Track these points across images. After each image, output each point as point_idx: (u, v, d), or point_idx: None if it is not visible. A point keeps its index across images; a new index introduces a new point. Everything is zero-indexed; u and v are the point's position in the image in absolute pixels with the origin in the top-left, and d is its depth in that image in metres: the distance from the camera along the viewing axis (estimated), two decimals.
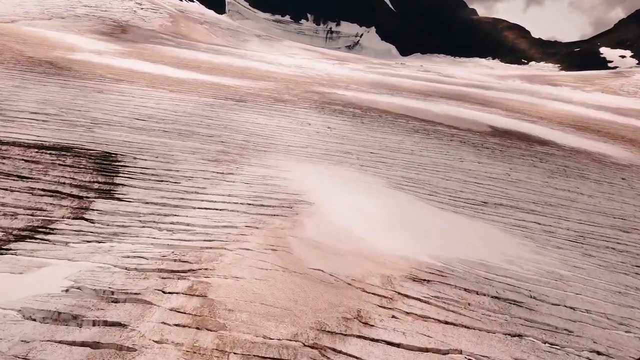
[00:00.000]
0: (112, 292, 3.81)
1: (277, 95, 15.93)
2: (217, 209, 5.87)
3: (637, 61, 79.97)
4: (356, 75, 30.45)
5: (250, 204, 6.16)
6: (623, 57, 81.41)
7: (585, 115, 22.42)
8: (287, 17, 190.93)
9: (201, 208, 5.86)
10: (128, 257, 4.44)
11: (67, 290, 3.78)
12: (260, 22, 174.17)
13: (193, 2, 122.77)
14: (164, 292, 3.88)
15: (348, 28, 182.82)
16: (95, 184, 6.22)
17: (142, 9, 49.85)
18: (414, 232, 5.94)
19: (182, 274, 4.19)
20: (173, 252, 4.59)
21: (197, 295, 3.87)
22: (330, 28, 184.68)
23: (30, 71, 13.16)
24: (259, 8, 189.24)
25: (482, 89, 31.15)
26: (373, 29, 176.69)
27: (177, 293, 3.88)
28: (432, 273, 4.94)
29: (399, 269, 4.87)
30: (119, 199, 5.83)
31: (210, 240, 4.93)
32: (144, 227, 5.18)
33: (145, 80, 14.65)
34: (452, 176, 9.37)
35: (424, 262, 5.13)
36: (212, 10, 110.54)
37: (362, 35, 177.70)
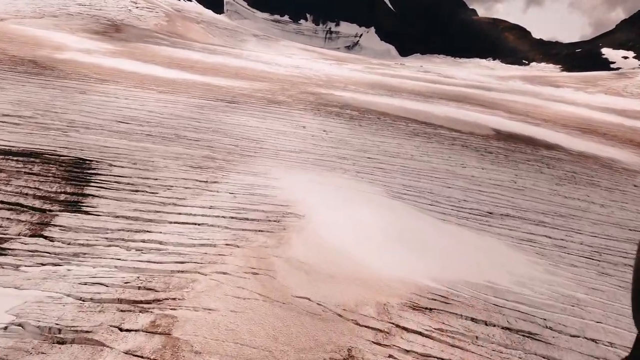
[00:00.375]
0: (59, 330, 3.26)
1: (271, 97, 15.39)
2: (195, 224, 5.32)
3: None
4: (354, 75, 29.94)
5: (233, 218, 5.61)
6: (625, 58, 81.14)
7: (590, 117, 21.92)
8: (286, 17, 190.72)
9: (178, 223, 5.31)
10: (85, 283, 3.89)
11: (5, 328, 3.23)
12: (259, 22, 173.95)
13: (190, 1, 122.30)
14: (120, 330, 3.33)
15: (347, 28, 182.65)
16: (62, 195, 5.66)
17: (137, 7, 49.31)
18: (414, 249, 5.39)
19: (145, 306, 3.64)
20: (139, 277, 4.04)
21: (160, 333, 3.32)
22: (330, 28, 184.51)
23: (12, 70, 12.60)
24: (257, 8, 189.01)
25: (483, 90, 30.65)
26: (372, 29, 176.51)
27: (135, 331, 3.33)
28: (435, 299, 4.40)
29: (397, 295, 4.33)
30: (86, 213, 5.28)
31: (183, 262, 4.38)
32: (110, 245, 4.63)
33: (133, 81, 14.10)
34: (454, 183, 8.83)
35: (425, 286, 4.59)
36: (210, 10, 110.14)
37: (361, 35, 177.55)
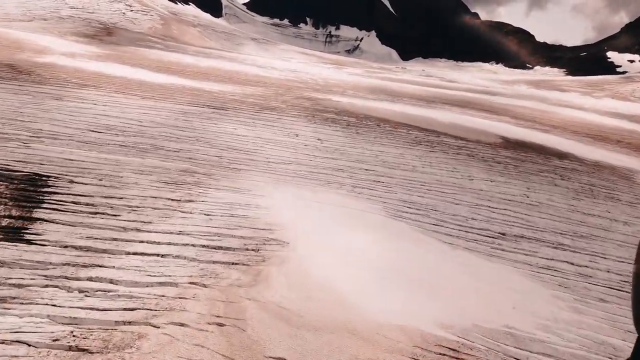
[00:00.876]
0: None
1: (263, 102, 14.68)
2: (157, 255, 4.55)
3: None
4: (353, 80, 29.29)
5: (203, 247, 4.84)
6: (632, 61, 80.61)
7: (601, 123, 21.18)
8: (286, 21, 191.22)
9: (136, 254, 4.54)
10: (2, 342, 3.11)
11: None
12: (258, 25, 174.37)
13: (189, 5, 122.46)
14: None
15: (348, 32, 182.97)
16: (5, 219, 4.90)
17: (131, 11, 48.86)
18: (418, 285, 4.62)
19: None
20: (73, 331, 3.27)
21: None
22: (330, 32, 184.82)
23: None
24: (257, 12, 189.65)
25: (488, 95, 29.97)
26: (373, 32, 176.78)
27: None
28: (444, 354, 3.62)
29: (397, 350, 3.55)
30: (28, 242, 4.51)
31: (132, 309, 3.60)
32: (47, 285, 3.86)
33: (115, 85, 13.40)
34: (461, 199, 8.07)
35: (431, 336, 3.81)
36: (207, 14, 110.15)
37: (362, 39, 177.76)
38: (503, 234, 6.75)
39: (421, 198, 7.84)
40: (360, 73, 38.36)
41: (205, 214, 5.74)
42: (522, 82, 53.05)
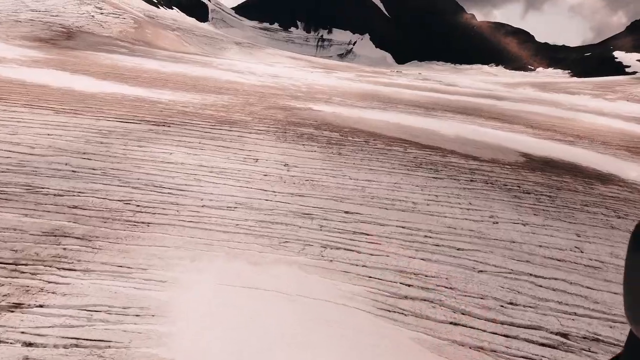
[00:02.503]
0: None
1: (224, 115, 12.16)
2: None
3: None
4: (342, 85, 26.89)
5: None
6: None
7: (632, 131, 18.84)
8: (276, 25, 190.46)
9: None
10: None
11: None
12: (247, 30, 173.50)
13: (172, 9, 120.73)
14: None
15: (340, 35, 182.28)
16: None
17: (101, 13, 46.46)
18: None
19: None
20: None
21: None
22: (322, 36, 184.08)
23: None
24: (245, 16, 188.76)
25: (494, 100, 27.68)
26: (367, 35, 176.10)
27: None
28: None
29: None
30: None
31: None
32: None
33: (30, 97, 10.83)
34: (486, 261, 5.52)
35: None
36: (192, 18, 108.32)
37: (355, 42, 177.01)
38: (565, 336, 4.21)
39: (428, 264, 5.29)
40: (351, 77, 36.03)
41: (23, 344, 3.14)
42: (527, 85, 51.07)
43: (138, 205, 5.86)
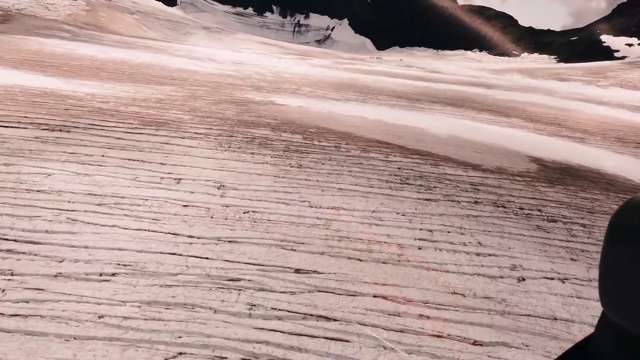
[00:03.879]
0: None
1: (155, 112, 9.74)
2: None
3: None
4: (316, 73, 24.53)
5: None
6: (630, 45, 78.61)
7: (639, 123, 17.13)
8: (250, 10, 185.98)
9: None
10: None
11: None
12: (218, 15, 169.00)
13: None
14: None
15: (318, 21, 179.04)
16: None
17: None
18: None
19: None
20: None
21: None
22: (298, 21, 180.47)
23: None
24: (217, 0, 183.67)
25: (484, 88, 25.80)
26: (346, 21, 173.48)
27: None
28: None
29: None
30: None
31: None
32: None
33: None
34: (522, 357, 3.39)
35: None
36: (158, 1, 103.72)
37: (333, 28, 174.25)
38: None
39: None
40: (327, 65, 33.65)
41: None
42: (514, 71, 49.65)
43: None
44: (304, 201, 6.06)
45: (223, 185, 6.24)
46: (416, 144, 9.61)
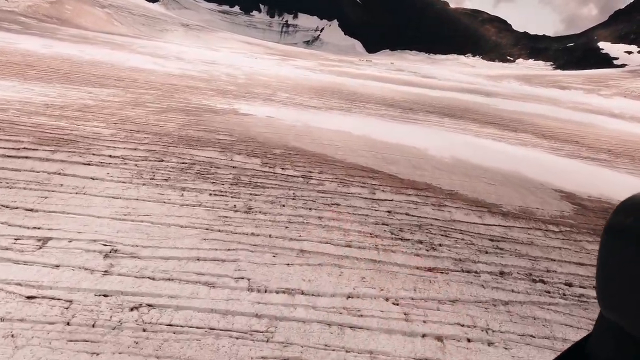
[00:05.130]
0: None
1: (67, 125, 7.53)
2: None
3: None
4: (298, 76, 22.44)
5: None
6: (629, 52, 77.95)
7: None
8: (237, 8, 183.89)
9: None
10: None
11: None
12: (203, 12, 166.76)
13: None
14: None
15: (307, 21, 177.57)
16: None
17: None
18: None
19: None
20: None
21: None
22: (287, 21, 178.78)
23: None
24: None
25: (483, 97, 23.99)
26: (335, 22, 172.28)
27: None
28: None
29: None
30: None
31: None
32: None
33: None
34: None
35: None
36: None
37: (322, 29, 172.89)
38: None
39: None
40: (312, 67, 31.61)
41: None
42: (511, 78, 48.28)
43: None
44: (240, 279, 3.94)
45: (115, 250, 4.09)
46: (412, 173, 7.54)
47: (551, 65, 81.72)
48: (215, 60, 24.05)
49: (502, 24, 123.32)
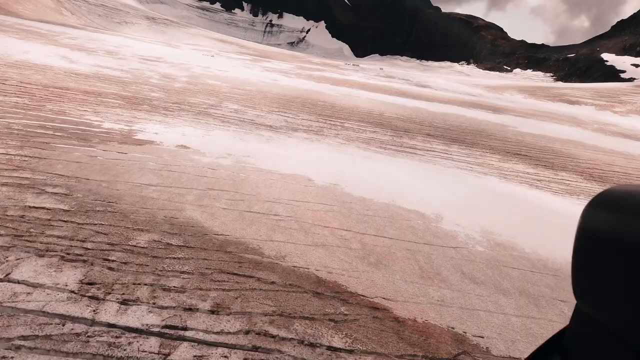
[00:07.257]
0: None
1: None
2: None
3: None
4: (264, 81, 18.61)
5: None
6: (637, 65, 75.88)
7: None
8: (217, 5, 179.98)
9: None
10: None
11: None
12: (180, 8, 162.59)
13: None
14: None
15: (292, 22, 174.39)
16: None
17: None
18: None
19: None
20: None
21: None
22: (271, 20, 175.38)
23: None
24: None
25: (491, 113, 20.51)
26: (322, 23, 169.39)
27: None
28: None
29: None
30: None
31: None
32: None
33: None
34: None
35: None
36: None
37: (308, 30, 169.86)
38: None
39: None
40: (287, 70, 27.83)
41: None
42: (512, 89, 45.35)
43: None
44: None
45: None
46: (419, 271, 3.73)
47: (551, 76, 79.57)
48: (161, 58, 20.09)
49: (498, 32, 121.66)
